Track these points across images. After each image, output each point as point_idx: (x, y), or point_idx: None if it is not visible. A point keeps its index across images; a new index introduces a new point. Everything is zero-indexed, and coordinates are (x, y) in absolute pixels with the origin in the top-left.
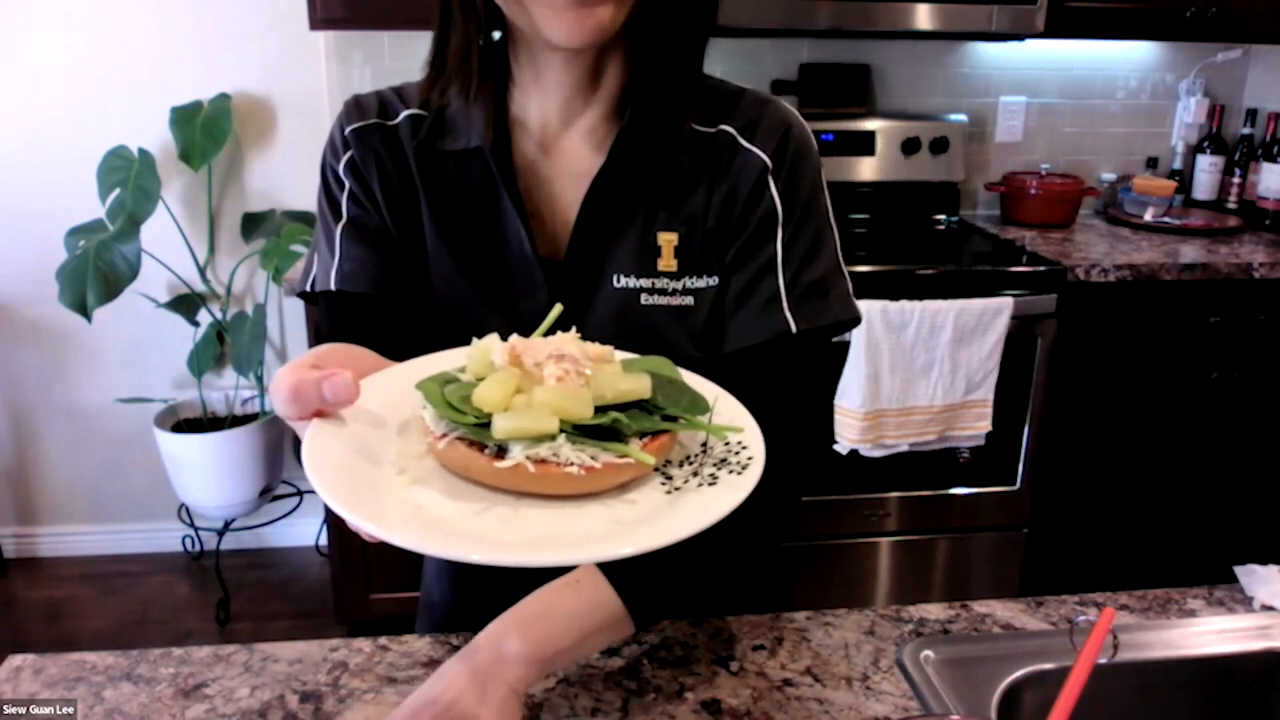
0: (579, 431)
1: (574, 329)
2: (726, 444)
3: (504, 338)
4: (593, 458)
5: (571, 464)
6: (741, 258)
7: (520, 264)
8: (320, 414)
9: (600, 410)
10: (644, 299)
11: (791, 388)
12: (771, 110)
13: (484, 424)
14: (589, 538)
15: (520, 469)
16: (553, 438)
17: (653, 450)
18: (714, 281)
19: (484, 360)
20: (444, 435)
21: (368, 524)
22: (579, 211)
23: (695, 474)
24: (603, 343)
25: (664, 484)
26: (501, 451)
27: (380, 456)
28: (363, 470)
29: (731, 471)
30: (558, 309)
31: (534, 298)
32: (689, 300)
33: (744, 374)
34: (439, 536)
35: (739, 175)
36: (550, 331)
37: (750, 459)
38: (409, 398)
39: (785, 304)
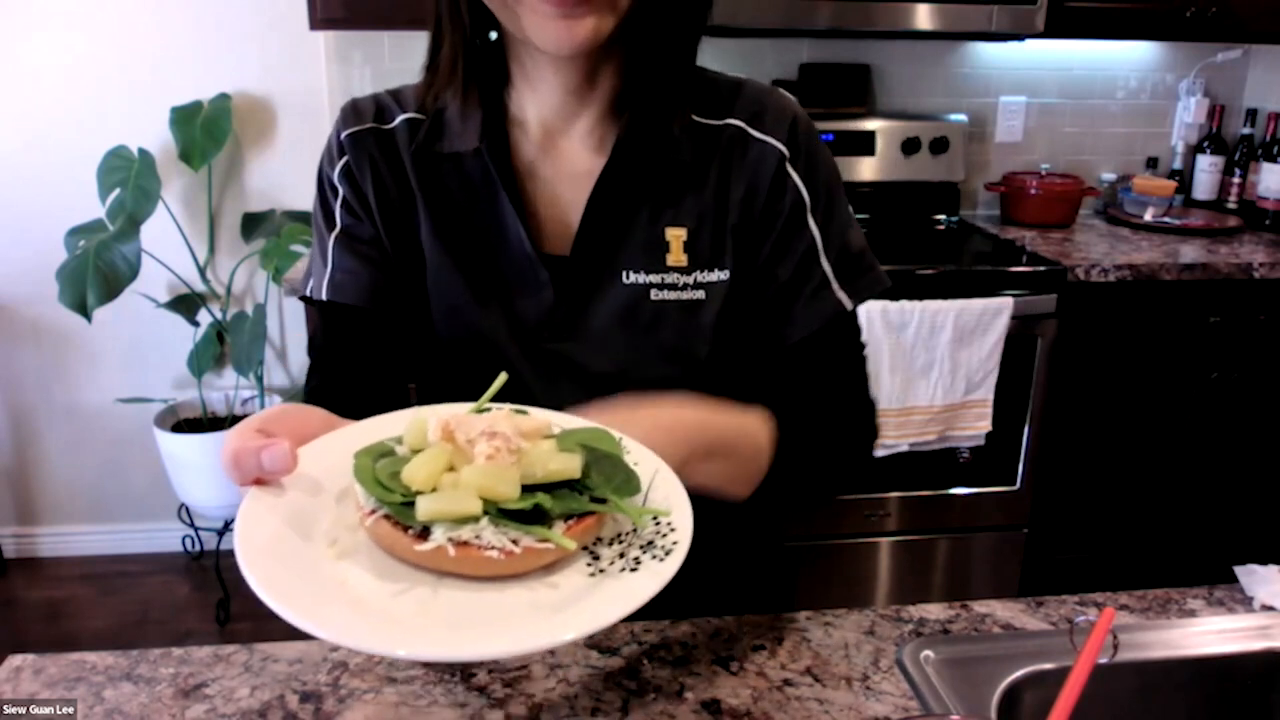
0: (503, 514)
1: (507, 407)
2: (656, 523)
3: (504, 343)
4: (514, 541)
5: (493, 548)
6: (780, 249)
7: (521, 264)
8: (260, 481)
9: (528, 490)
10: (654, 294)
11: (856, 359)
12: (773, 99)
13: (410, 502)
14: (506, 622)
15: (441, 551)
16: (476, 519)
17: (577, 533)
18: (725, 275)
19: (420, 434)
20: (372, 511)
21: (285, 609)
22: (585, 211)
23: (622, 555)
24: (608, 341)
25: (589, 565)
26: (425, 531)
27: (314, 525)
28: (293, 543)
29: (655, 557)
30: (502, 378)
31: (537, 297)
32: (700, 294)
33: (810, 360)
34: (354, 628)
35: (757, 167)
36: (497, 398)
37: (675, 544)
38: (350, 464)
39: (835, 285)
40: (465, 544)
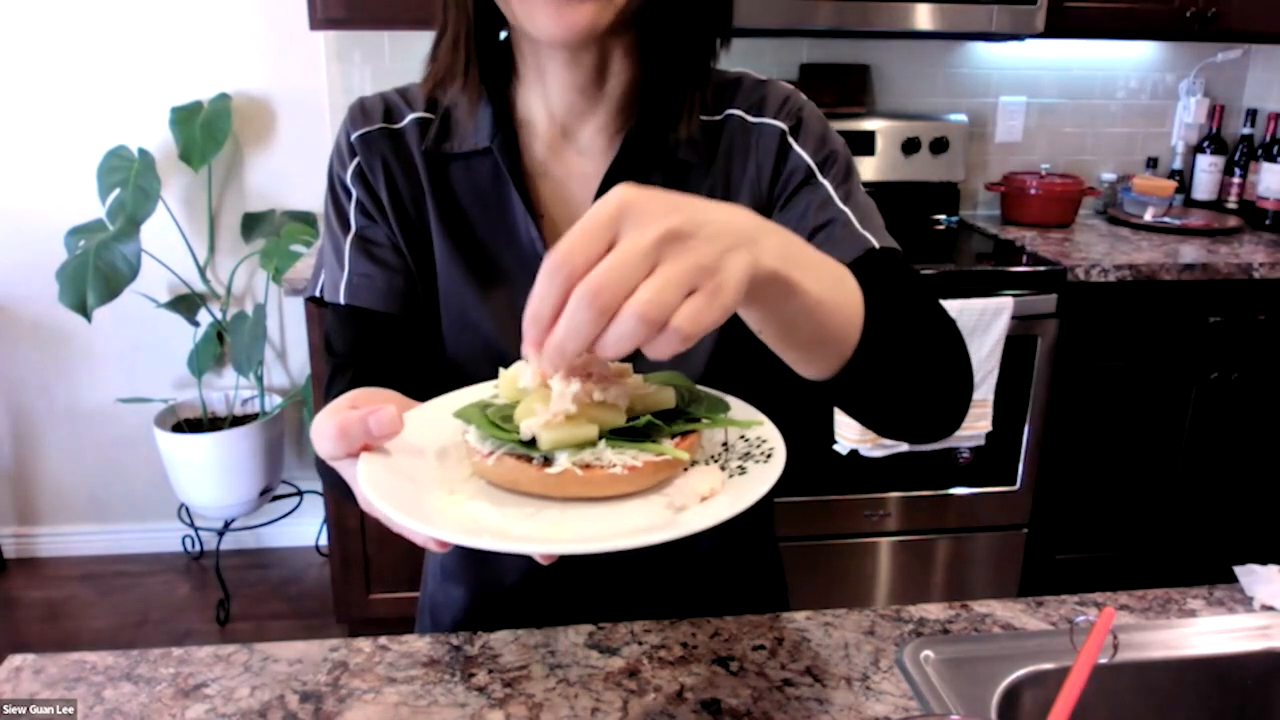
0: (615, 436)
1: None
2: (745, 440)
3: (512, 342)
4: (633, 458)
5: (614, 465)
6: (794, 208)
7: (531, 263)
8: (365, 449)
9: (631, 419)
10: None
11: (918, 288)
12: (771, 88)
13: (527, 440)
14: (636, 530)
15: (568, 474)
16: (594, 444)
17: (684, 448)
18: None
19: (514, 384)
20: (491, 453)
21: (443, 533)
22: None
23: (723, 468)
24: None
25: None
26: (548, 462)
27: (427, 481)
28: (417, 493)
29: (757, 462)
30: None
31: None
32: None
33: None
34: (511, 539)
35: (759, 148)
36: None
37: (772, 449)
38: (441, 428)
39: (858, 226)
40: (589, 466)
